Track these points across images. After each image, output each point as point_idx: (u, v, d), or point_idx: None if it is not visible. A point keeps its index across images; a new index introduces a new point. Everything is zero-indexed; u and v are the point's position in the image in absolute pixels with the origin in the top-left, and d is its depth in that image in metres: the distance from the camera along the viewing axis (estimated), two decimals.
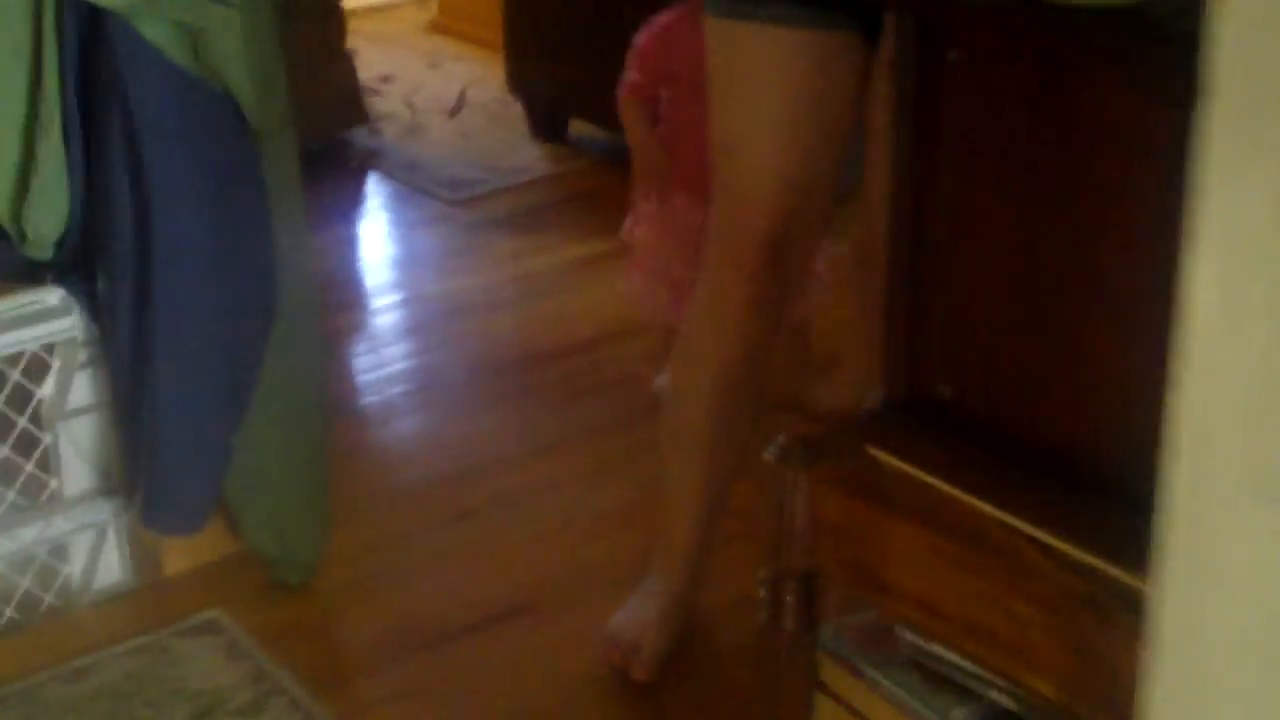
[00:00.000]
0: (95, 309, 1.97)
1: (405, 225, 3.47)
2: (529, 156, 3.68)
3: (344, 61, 3.65)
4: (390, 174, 3.64)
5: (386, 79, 4.15)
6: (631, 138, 2.51)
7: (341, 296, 3.05)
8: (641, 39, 2.48)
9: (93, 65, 1.87)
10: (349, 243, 3.41)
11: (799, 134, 1.77)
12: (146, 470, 2.00)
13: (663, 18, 2.46)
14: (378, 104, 3.94)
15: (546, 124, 3.74)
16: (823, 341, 2.62)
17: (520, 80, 3.76)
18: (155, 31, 1.83)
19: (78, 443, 2.01)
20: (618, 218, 2.82)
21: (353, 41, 3.71)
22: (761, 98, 1.78)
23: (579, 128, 3.71)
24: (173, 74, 1.87)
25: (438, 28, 4.67)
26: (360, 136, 3.73)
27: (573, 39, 3.55)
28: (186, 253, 1.93)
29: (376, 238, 3.51)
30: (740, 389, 1.94)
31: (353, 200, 3.58)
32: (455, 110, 3.95)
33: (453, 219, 3.41)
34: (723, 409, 1.94)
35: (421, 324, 2.99)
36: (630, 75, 2.48)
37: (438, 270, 3.22)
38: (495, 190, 3.51)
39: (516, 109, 3.81)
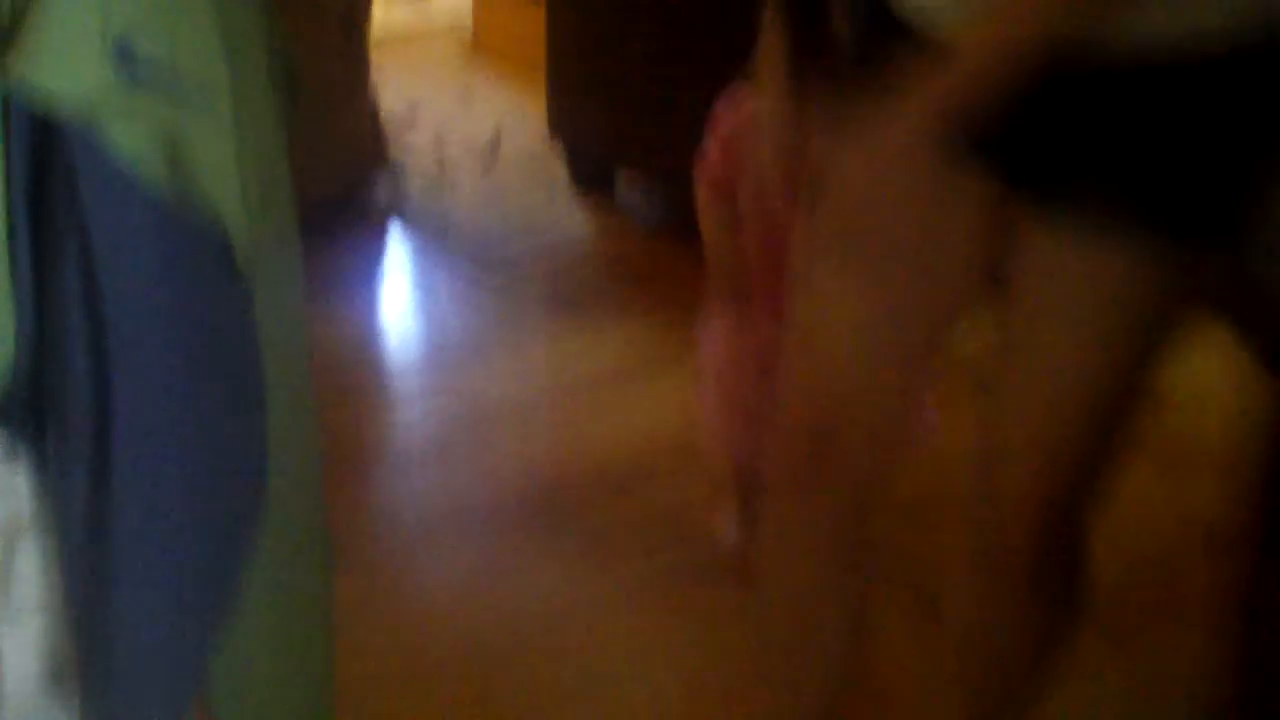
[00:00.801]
0: (44, 478, 1.56)
1: (428, 297, 3.04)
2: (571, 216, 3.26)
3: (366, 100, 3.23)
4: (413, 232, 3.22)
5: (414, 115, 3.74)
6: (706, 235, 2.09)
7: (347, 384, 2.63)
8: (725, 115, 2.04)
9: (45, 180, 1.45)
10: (362, 317, 2.98)
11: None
12: (105, 673, 1.60)
13: (743, 101, 2.04)
14: (403, 145, 3.52)
15: (591, 175, 3.32)
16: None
17: (563, 123, 3.32)
18: (122, 140, 1.42)
19: (23, 639, 1.61)
20: (673, 307, 2.44)
21: (377, 74, 3.29)
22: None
23: (628, 179, 3.29)
24: (143, 194, 1.45)
25: (473, 55, 4.25)
26: (382, 184, 3.31)
27: (627, 79, 3.09)
28: (156, 414, 1.51)
29: (394, 312, 3.06)
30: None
31: (369, 262, 3.15)
32: (488, 161, 3.54)
33: (483, 292, 2.98)
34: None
35: (442, 436, 2.55)
36: (709, 157, 2.06)
37: (463, 361, 2.77)
38: (532, 257, 3.08)
39: (557, 154, 3.40)
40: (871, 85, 1.28)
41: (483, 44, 4.23)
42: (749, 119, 2.01)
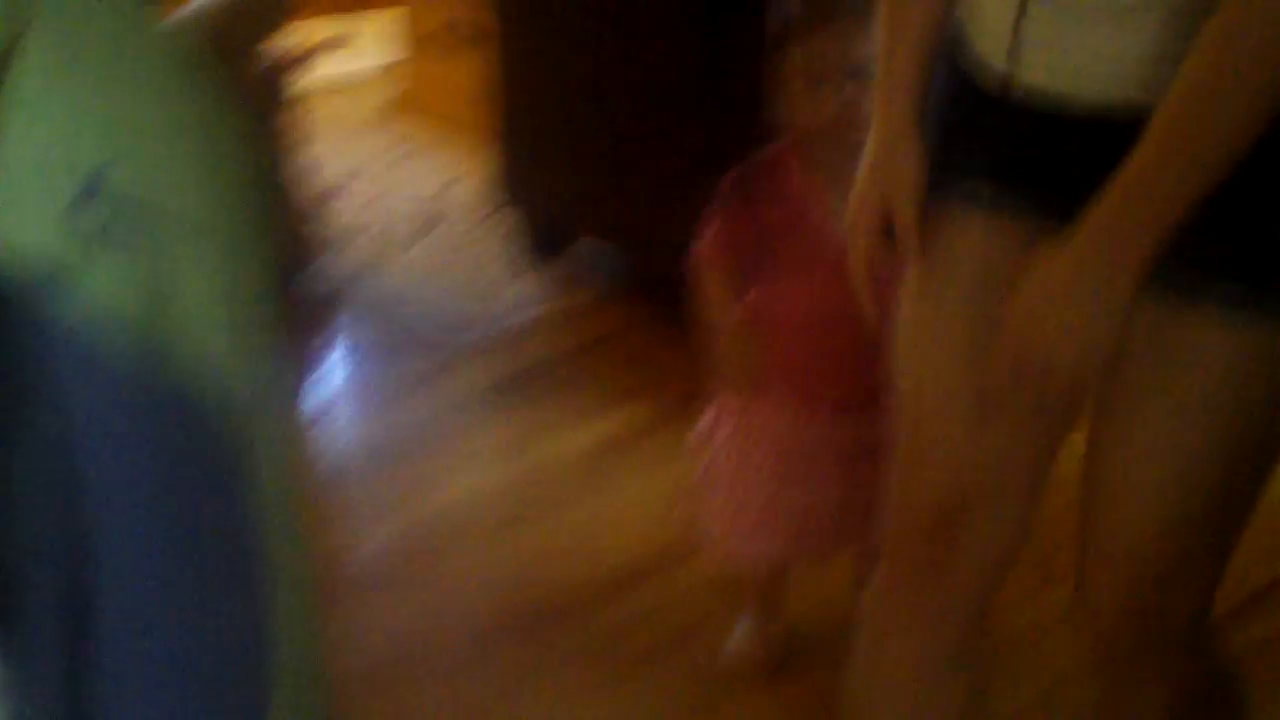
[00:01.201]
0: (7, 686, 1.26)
1: (373, 394, 2.71)
2: (526, 287, 2.97)
3: (294, 174, 2.92)
4: (352, 320, 2.91)
5: (346, 183, 3.44)
6: (708, 315, 1.82)
7: None
8: (725, 193, 1.78)
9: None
10: (300, 425, 2.65)
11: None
12: None
13: (749, 166, 1.78)
14: (336, 220, 3.20)
15: (548, 241, 3.03)
16: None
17: (517, 188, 3.01)
18: (92, 295, 1.13)
19: None
20: (646, 381, 2.19)
21: (303, 142, 2.98)
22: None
23: (588, 245, 3.01)
24: (111, 360, 1.16)
25: (406, 107, 3.95)
26: (316, 271, 3.00)
27: (590, 138, 2.80)
28: (142, 605, 1.24)
29: (336, 416, 2.70)
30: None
31: (300, 358, 2.83)
32: (430, 231, 3.24)
33: (436, 383, 2.67)
34: None
35: (399, 556, 2.23)
36: (704, 242, 1.80)
37: (420, 468, 2.45)
38: (488, 338, 2.79)
39: (506, 217, 3.10)
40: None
41: (415, 100, 3.94)
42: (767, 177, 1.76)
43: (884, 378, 1.79)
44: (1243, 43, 0.97)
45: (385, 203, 3.36)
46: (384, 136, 3.77)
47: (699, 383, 2.53)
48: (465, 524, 2.29)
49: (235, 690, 1.29)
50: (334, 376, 2.79)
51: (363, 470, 2.49)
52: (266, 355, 1.26)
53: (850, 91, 1.63)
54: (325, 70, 4.02)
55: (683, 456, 2.37)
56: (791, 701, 1.93)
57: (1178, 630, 1.26)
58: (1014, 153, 1.17)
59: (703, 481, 1.92)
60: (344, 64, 4.10)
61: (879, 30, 1.27)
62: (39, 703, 1.24)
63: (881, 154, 1.25)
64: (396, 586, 2.17)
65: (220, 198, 1.17)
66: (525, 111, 2.91)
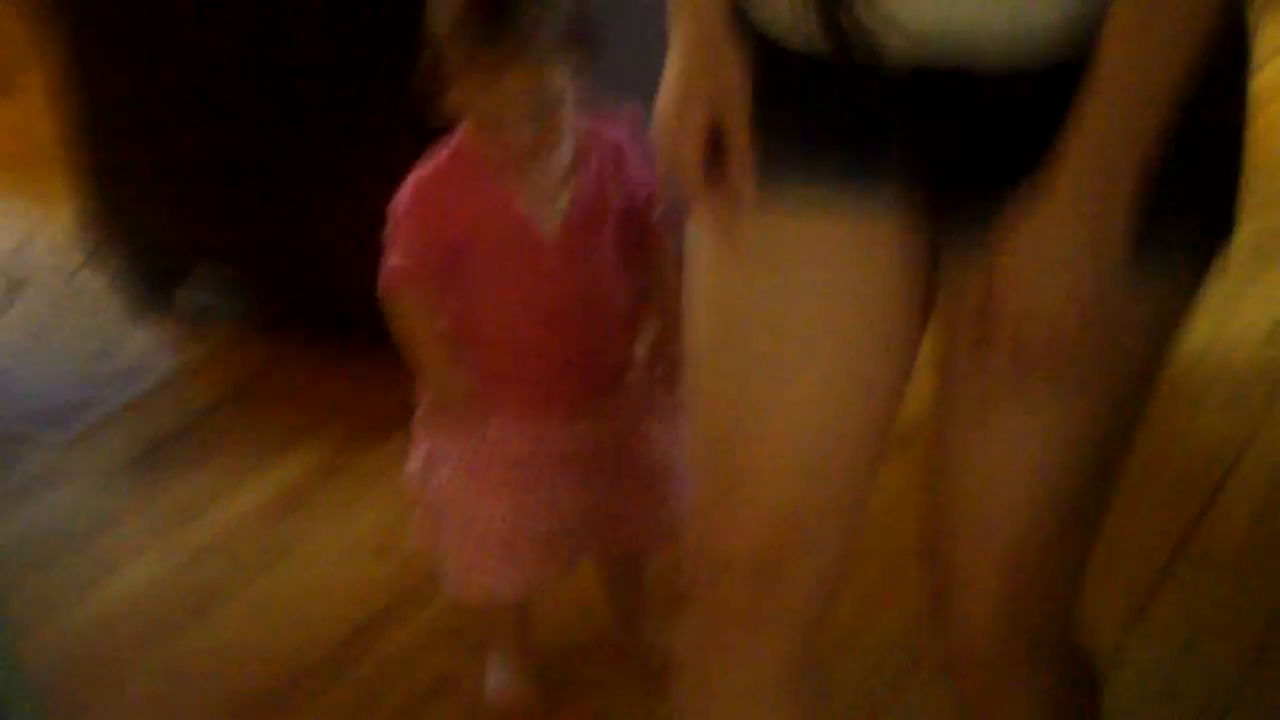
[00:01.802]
0: None
1: None
2: (147, 340, 2.61)
3: None
4: None
5: None
6: (411, 345, 1.62)
7: None
8: (404, 204, 1.58)
9: None
10: None
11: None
12: None
13: (424, 171, 1.58)
14: None
15: (157, 284, 2.67)
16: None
17: (107, 227, 2.62)
18: None
19: None
20: (310, 408, 2.14)
21: None
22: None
23: (201, 278, 2.68)
24: None
25: None
26: None
27: (188, 156, 2.48)
28: None
29: None
30: None
31: None
32: (8, 299, 2.81)
33: (62, 472, 2.31)
34: None
35: (67, 680, 1.87)
36: (395, 260, 1.58)
37: (67, 574, 2.07)
38: (114, 409, 2.43)
39: (103, 267, 2.72)
40: None
41: None
42: (435, 186, 1.56)
43: (610, 371, 1.66)
44: None
45: None
46: None
47: (374, 408, 2.35)
48: (139, 623, 1.98)
49: None
50: None
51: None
52: None
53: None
54: None
55: (378, 490, 2.18)
56: None
57: (1049, 638, 1.17)
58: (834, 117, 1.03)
59: (430, 517, 1.71)
60: None
61: None
62: None
63: (697, 60, 1.05)
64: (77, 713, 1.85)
65: None
66: (108, 142, 2.55)
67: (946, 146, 1.01)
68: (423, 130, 2.22)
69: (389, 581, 2.01)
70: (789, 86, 1.03)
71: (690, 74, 1.05)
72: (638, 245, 1.62)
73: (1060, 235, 0.95)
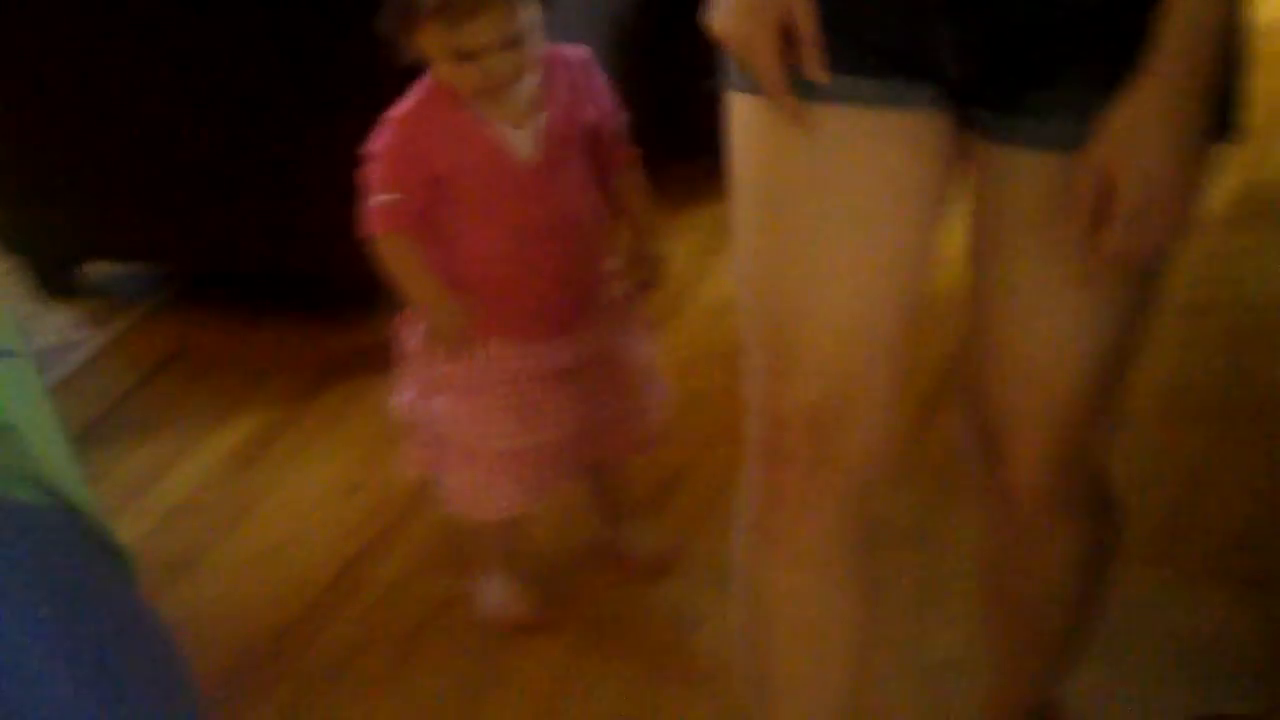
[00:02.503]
0: None
1: None
2: (56, 326, 2.62)
3: None
4: None
5: None
6: (404, 278, 1.68)
7: None
8: (384, 144, 1.64)
9: None
10: None
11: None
12: None
13: (400, 111, 1.65)
14: None
15: (55, 275, 2.67)
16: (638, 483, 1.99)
17: (16, 231, 2.65)
18: None
19: None
20: (236, 369, 2.19)
21: None
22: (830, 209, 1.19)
23: (100, 268, 2.70)
24: None
25: None
26: None
27: (80, 143, 2.49)
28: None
29: None
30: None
31: None
32: None
33: None
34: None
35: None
36: (380, 198, 1.65)
37: None
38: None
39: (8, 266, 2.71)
40: None
41: None
42: (413, 125, 1.63)
43: (590, 285, 1.75)
44: None
45: None
46: None
47: (307, 365, 2.40)
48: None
49: None
50: None
51: None
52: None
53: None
54: None
55: (334, 436, 2.24)
56: (572, 645, 1.86)
57: (1088, 481, 1.30)
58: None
59: (429, 443, 1.79)
60: None
61: None
62: None
63: None
64: None
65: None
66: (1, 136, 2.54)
67: (982, 49, 1.11)
68: (312, 96, 2.29)
69: (366, 518, 2.08)
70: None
71: None
72: (604, 161, 1.72)
73: (1166, 117, 1.06)
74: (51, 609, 0.99)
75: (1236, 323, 2.29)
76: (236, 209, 2.44)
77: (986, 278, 1.22)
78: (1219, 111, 1.10)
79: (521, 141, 1.64)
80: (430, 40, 1.58)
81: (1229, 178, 2.64)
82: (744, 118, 1.21)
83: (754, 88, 1.17)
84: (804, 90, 1.15)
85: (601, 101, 1.70)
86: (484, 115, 1.63)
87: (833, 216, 1.18)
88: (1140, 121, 1.06)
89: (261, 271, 2.58)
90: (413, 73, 1.65)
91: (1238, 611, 1.76)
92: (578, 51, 1.69)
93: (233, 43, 2.30)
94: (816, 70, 1.14)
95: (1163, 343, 2.16)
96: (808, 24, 1.13)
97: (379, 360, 1.92)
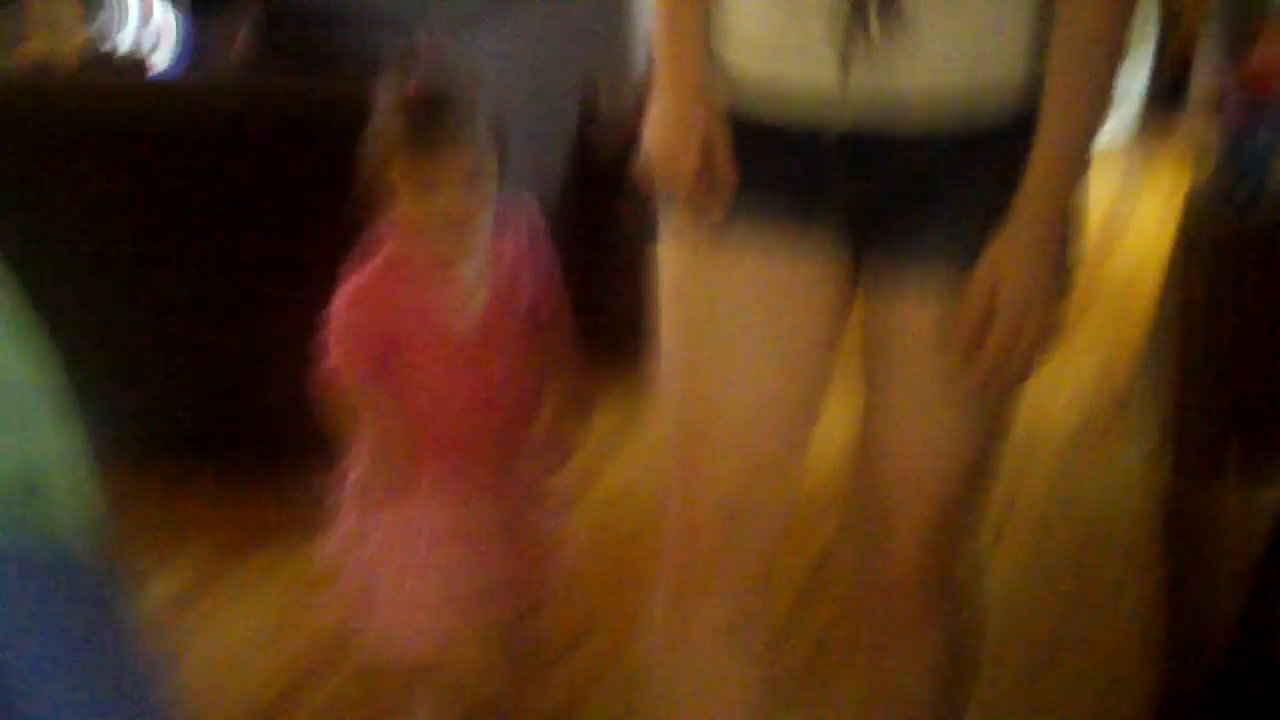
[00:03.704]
0: None
1: None
2: None
3: None
4: None
5: None
6: (353, 434, 1.86)
7: None
8: (343, 305, 1.83)
9: None
10: None
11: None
12: None
13: (362, 275, 1.84)
14: None
15: None
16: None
17: None
18: None
19: None
20: (162, 529, 2.32)
21: None
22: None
23: None
24: None
25: None
26: None
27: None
28: None
29: None
30: None
31: None
32: None
33: None
34: None
35: None
36: (334, 356, 1.83)
37: None
38: None
39: None
40: None
41: None
42: (368, 290, 1.84)
43: (513, 451, 1.94)
44: (1093, 24, 1.29)
45: None
46: None
47: (233, 526, 2.53)
48: None
49: None
50: None
51: None
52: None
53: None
54: None
55: (259, 594, 2.36)
56: None
57: (950, 584, 1.52)
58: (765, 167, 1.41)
59: (356, 586, 1.94)
60: None
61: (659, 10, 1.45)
62: None
63: (688, 108, 1.41)
64: None
65: (40, 359, 1.17)
66: None
67: (870, 199, 1.37)
68: (230, 258, 2.45)
69: (287, 666, 2.20)
70: (745, 146, 1.39)
71: (684, 116, 1.41)
72: (538, 337, 1.92)
73: (1036, 250, 1.32)
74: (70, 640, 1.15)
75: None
76: (179, 372, 2.62)
77: (873, 396, 1.45)
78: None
79: (465, 316, 1.85)
80: (398, 170, 1.77)
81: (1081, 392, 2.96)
82: (672, 253, 1.46)
83: (679, 230, 1.44)
84: (730, 231, 1.40)
85: (543, 282, 1.90)
86: (434, 289, 1.82)
87: (743, 339, 1.43)
88: (1015, 256, 1.32)
89: (202, 434, 2.74)
90: (351, 245, 1.84)
91: None
92: (531, 219, 1.90)
93: (174, 206, 2.51)
94: (727, 192, 1.39)
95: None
96: (722, 152, 1.39)
97: (304, 521, 2.03)
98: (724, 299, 1.42)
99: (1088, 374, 3.04)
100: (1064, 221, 1.35)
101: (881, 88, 1.30)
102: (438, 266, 1.82)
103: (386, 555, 1.90)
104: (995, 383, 1.36)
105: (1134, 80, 4.24)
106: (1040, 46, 1.31)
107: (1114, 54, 1.32)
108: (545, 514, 1.99)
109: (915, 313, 1.38)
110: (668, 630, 1.54)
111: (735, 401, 1.43)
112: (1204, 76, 3.18)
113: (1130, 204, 4.04)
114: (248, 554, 2.50)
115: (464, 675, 2.12)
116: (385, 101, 1.80)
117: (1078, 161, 1.33)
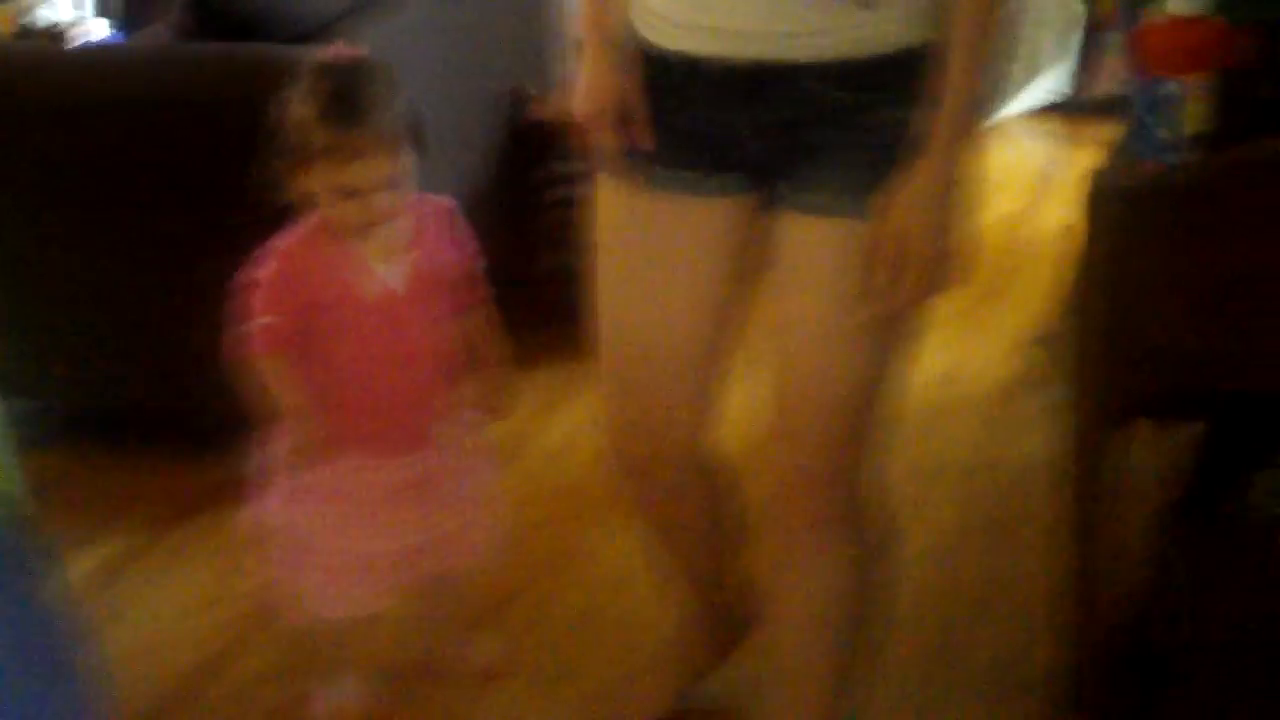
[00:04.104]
0: None
1: None
2: None
3: None
4: None
5: None
6: (279, 397, 1.86)
7: None
8: (268, 271, 1.85)
9: None
10: None
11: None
12: None
13: (285, 242, 1.86)
14: None
15: None
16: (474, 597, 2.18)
17: None
18: None
19: None
20: (94, 503, 2.31)
21: None
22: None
23: None
24: None
25: None
26: None
27: None
28: None
29: None
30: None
31: None
32: None
33: None
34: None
35: None
36: (262, 320, 1.85)
37: None
38: None
39: None
40: None
41: None
42: (294, 257, 1.85)
43: (438, 410, 1.96)
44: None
45: None
46: None
47: (166, 498, 2.54)
48: None
49: None
50: None
51: None
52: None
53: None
54: None
55: (193, 561, 2.38)
56: None
57: (848, 504, 1.63)
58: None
59: (289, 548, 1.96)
60: None
61: None
62: None
63: (608, 68, 1.61)
64: None
65: None
66: None
67: (772, 133, 1.51)
68: (154, 230, 2.45)
69: (221, 628, 2.23)
70: (670, 93, 1.55)
71: (603, 77, 1.61)
72: (460, 300, 1.95)
73: (934, 184, 1.46)
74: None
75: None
76: (107, 347, 2.62)
77: (778, 314, 1.58)
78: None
79: (391, 276, 1.87)
80: (316, 179, 1.80)
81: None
82: (602, 197, 1.65)
83: (608, 169, 1.61)
84: (646, 177, 1.59)
85: (462, 246, 1.94)
86: (362, 251, 1.85)
87: (660, 278, 1.63)
88: (907, 202, 1.47)
89: (129, 408, 2.74)
90: (270, 214, 1.85)
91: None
92: (444, 201, 1.95)
93: (99, 183, 2.50)
94: (645, 139, 1.58)
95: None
96: (639, 105, 1.58)
97: (234, 493, 2.03)
98: (643, 244, 1.62)
99: (1018, 331, 3.09)
100: (954, 176, 1.47)
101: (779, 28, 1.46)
102: (369, 226, 1.84)
103: (312, 516, 1.93)
104: (884, 309, 1.50)
105: (1069, 43, 4.29)
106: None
107: (999, 11, 1.45)
108: (474, 471, 2.03)
109: (819, 236, 1.52)
110: (631, 507, 1.83)
111: (652, 323, 1.64)
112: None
113: (1061, 166, 4.09)
114: (177, 524, 2.51)
115: (394, 632, 2.16)
116: (306, 70, 1.81)
117: (968, 118, 1.46)
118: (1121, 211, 1.56)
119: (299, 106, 1.80)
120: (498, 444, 2.02)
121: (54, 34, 3.08)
